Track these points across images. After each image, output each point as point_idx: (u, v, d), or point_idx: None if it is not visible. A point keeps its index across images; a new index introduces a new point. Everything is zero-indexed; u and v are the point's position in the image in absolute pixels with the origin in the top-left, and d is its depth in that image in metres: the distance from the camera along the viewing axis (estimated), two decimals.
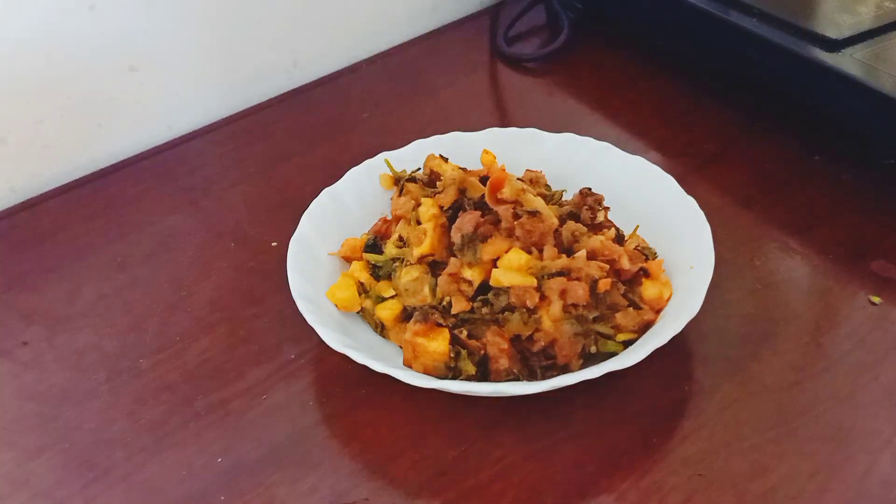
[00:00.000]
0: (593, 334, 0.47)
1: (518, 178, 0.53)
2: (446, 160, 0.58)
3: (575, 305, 0.46)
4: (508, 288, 0.47)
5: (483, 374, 0.47)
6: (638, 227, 0.54)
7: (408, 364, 0.47)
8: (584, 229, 0.50)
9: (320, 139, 0.72)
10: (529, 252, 0.48)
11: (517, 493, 0.44)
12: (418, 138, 0.60)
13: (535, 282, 0.47)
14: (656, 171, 0.56)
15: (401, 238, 0.52)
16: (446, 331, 0.47)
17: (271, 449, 0.47)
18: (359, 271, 0.52)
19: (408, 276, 0.49)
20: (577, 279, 0.47)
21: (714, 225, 0.51)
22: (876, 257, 0.55)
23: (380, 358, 0.46)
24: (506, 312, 0.47)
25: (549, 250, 0.48)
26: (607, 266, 0.48)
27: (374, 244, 0.54)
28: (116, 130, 0.71)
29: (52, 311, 0.57)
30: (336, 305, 0.51)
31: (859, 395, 0.47)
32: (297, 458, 0.46)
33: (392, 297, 0.51)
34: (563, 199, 0.56)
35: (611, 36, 0.80)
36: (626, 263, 0.49)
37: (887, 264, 0.55)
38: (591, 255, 0.49)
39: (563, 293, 0.46)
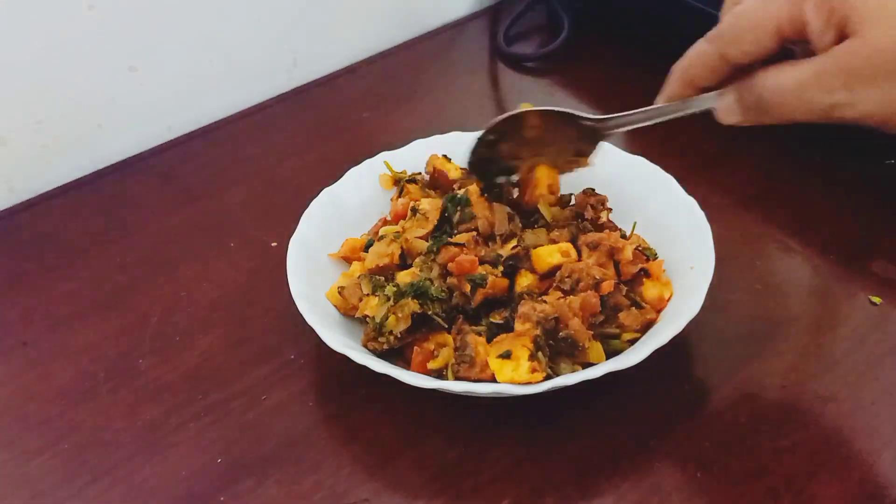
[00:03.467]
0: (599, 336, 0.47)
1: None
2: (449, 160, 0.58)
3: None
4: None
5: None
6: (635, 224, 0.54)
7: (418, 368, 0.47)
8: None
9: (320, 139, 0.72)
10: None
11: (517, 493, 0.44)
12: (418, 138, 0.60)
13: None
14: (656, 171, 0.56)
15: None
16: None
17: (271, 449, 0.47)
18: (359, 272, 0.52)
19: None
20: (579, 280, 0.47)
21: (714, 225, 0.51)
22: (876, 257, 0.55)
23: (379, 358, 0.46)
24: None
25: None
26: (609, 272, 0.48)
27: (374, 244, 0.54)
28: (116, 130, 0.71)
29: (52, 311, 0.57)
30: (336, 307, 0.51)
31: (859, 395, 0.47)
32: (297, 458, 0.46)
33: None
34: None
35: (611, 36, 0.80)
36: (628, 254, 0.49)
37: (887, 264, 0.55)
38: (594, 245, 0.49)
39: (583, 308, 0.46)
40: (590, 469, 0.45)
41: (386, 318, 0.47)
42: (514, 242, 0.50)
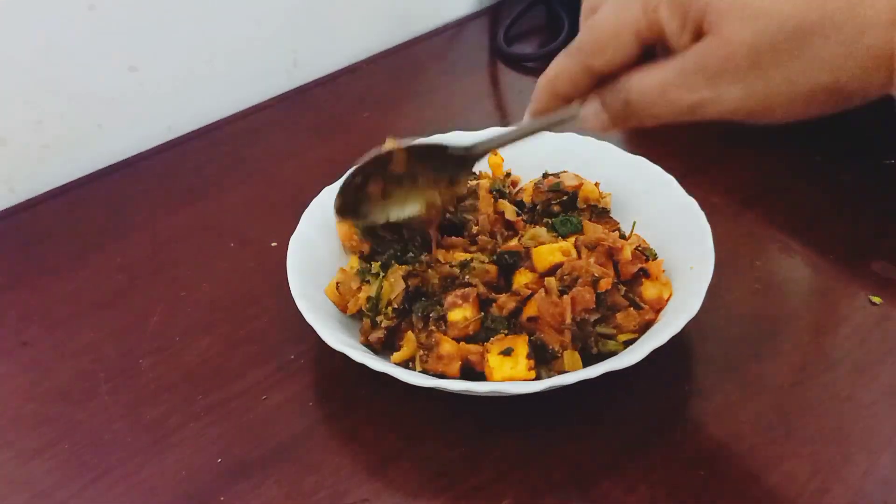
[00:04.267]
0: (594, 335, 0.47)
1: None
2: None
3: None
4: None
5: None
6: (635, 223, 0.54)
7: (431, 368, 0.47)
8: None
9: (320, 139, 0.72)
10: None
11: (517, 493, 0.44)
12: (419, 138, 0.60)
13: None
14: (656, 171, 0.56)
15: None
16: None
17: (271, 449, 0.47)
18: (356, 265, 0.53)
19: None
20: (577, 277, 0.47)
21: (714, 225, 0.51)
22: (876, 257, 0.55)
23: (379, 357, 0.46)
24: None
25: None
26: (608, 272, 0.48)
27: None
28: (116, 130, 0.71)
29: (52, 311, 0.57)
30: (335, 303, 0.51)
31: (859, 395, 0.47)
32: (297, 458, 0.46)
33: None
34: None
35: None
36: (627, 254, 0.49)
37: (888, 265, 0.55)
38: (592, 245, 0.49)
39: (573, 301, 0.46)
40: (590, 469, 0.45)
41: (381, 289, 0.49)
42: (515, 241, 0.50)
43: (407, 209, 0.49)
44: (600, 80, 0.39)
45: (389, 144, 0.48)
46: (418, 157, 0.48)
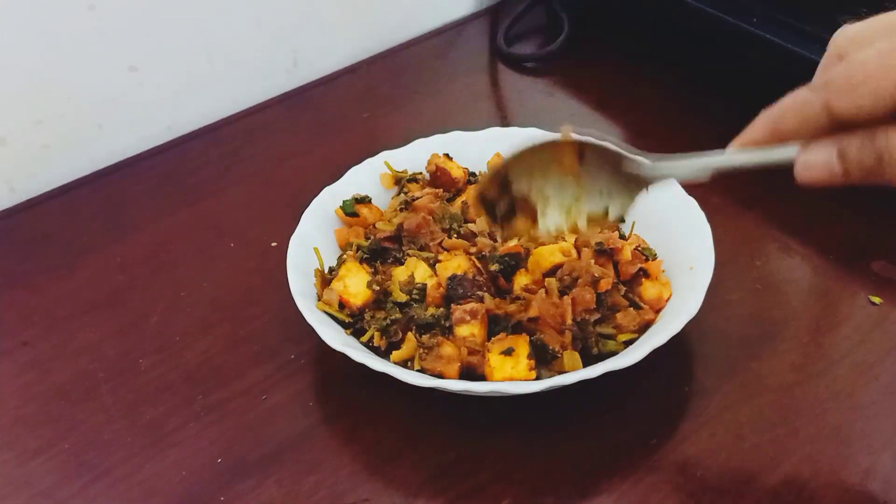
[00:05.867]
0: (594, 336, 0.47)
1: None
2: (451, 159, 0.58)
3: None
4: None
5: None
6: (635, 223, 0.54)
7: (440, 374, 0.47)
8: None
9: (320, 139, 0.72)
10: None
11: (517, 493, 0.44)
12: (419, 138, 0.60)
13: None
14: None
15: None
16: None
17: (271, 449, 0.47)
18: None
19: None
20: (577, 277, 0.47)
21: (714, 225, 0.51)
22: (876, 257, 0.55)
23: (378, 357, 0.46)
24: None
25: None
26: (608, 272, 0.48)
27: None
28: (116, 130, 0.71)
29: (52, 311, 0.57)
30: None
31: (859, 395, 0.47)
32: (297, 458, 0.46)
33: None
34: None
35: (611, 36, 0.80)
36: (627, 254, 0.49)
37: (888, 264, 0.55)
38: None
39: (574, 302, 0.46)
40: (590, 469, 0.45)
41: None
42: (514, 241, 0.50)
43: (546, 220, 0.42)
44: (835, 128, 0.34)
45: (564, 134, 0.40)
46: (587, 157, 0.41)
